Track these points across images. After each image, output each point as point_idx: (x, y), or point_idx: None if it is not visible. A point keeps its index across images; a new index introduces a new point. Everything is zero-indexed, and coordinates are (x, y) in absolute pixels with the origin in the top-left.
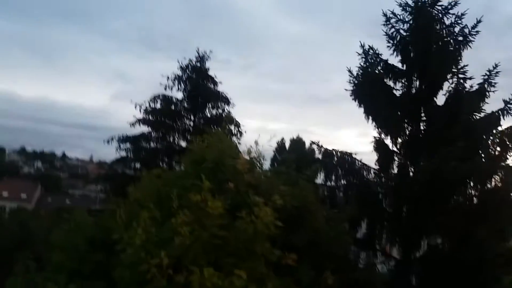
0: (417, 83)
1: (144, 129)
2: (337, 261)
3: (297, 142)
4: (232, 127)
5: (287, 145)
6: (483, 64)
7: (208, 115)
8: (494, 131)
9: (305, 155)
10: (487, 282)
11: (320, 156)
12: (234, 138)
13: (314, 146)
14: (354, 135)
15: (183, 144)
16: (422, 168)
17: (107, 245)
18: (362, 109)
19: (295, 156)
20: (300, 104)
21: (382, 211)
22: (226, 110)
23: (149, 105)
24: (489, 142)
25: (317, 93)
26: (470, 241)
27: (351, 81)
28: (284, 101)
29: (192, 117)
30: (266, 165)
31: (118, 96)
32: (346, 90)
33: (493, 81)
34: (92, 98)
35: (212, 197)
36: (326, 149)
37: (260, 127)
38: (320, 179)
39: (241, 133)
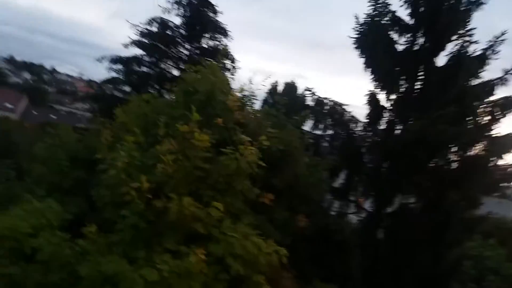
0: (421, 40)
1: (138, 52)
2: (311, 206)
3: (291, 86)
4: (227, 62)
5: (280, 88)
6: (489, 30)
7: (204, 45)
8: (487, 100)
9: (297, 100)
10: (450, 244)
11: (311, 103)
12: (227, 73)
13: (307, 92)
14: (350, 86)
15: (176, 73)
16: (410, 127)
17: (89, 164)
18: (362, 60)
19: (286, 99)
20: (300, 47)
21: (363, 165)
22: (223, 43)
23: (145, 28)
24: (480, 110)
25: (319, 38)
26: (442, 203)
27: (357, 29)
28: (283, 41)
29: (187, 46)
30: (257, 105)
31: (114, 15)
32: (350, 37)
33: (496, 48)
34: (87, 14)
35: (200, 130)
36: (318, 97)
37: (256, 66)
38: (308, 126)
39: (235, 69)
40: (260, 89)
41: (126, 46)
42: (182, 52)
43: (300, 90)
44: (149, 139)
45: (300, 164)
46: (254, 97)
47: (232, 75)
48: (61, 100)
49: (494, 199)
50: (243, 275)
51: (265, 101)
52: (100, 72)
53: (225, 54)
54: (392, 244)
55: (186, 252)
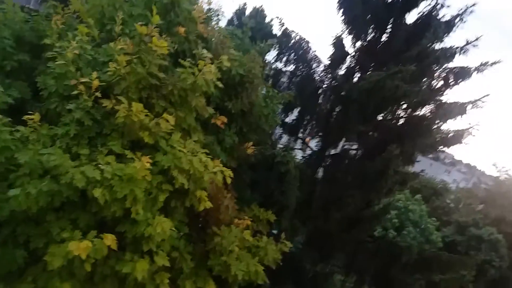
0: None
1: None
2: (261, 135)
3: (259, 12)
4: None
5: (248, 12)
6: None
7: None
8: (444, 66)
9: (264, 27)
10: (381, 193)
11: (278, 33)
12: None
13: (276, 21)
14: (319, 26)
15: None
16: (369, 77)
17: (35, 48)
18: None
19: (254, 23)
20: None
21: (317, 105)
22: None
23: None
24: (436, 74)
25: None
26: (381, 154)
27: None
28: None
29: None
30: (223, 24)
31: None
32: None
33: (465, 18)
34: None
35: (159, 35)
36: (286, 28)
37: None
38: (271, 56)
39: None
40: (228, 7)
41: None
42: None
43: (268, 19)
44: (104, 34)
45: (257, 92)
46: (222, 13)
47: None
48: None
49: (427, 160)
50: (186, 189)
51: (230, 22)
52: None
53: None
54: (329, 183)
55: (131, 157)
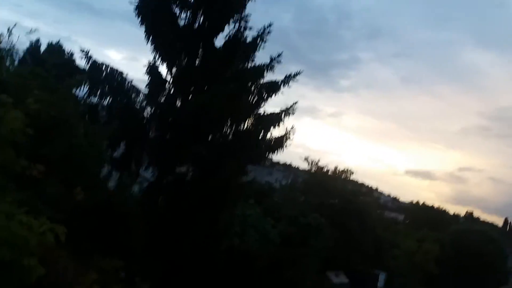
0: (202, 18)
1: None
2: (89, 178)
3: (56, 48)
4: None
5: (43, 48)
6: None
7: None
8: (257, 82)
9: (68, 62)
10: (224, 208)
11: (86, 68)
12: None
13: (82, 54)
14: (124, 57)
15: None
16: (193, 100)
17: None
18: (143, 29)
19: (56, 60)
20: (68, 8)
21: (145, 135)
22: None
23: None
24: (252, 90)
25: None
26: (218, 171)
27: None
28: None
29: None
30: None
31: None
32: (131, 3)
33: (265, 37)
34: None
35: None
36: (95, 61)
37: (14, 20)
38: (83, 91)
39: None
40: (20, 46)
41: None
42: None
43: (67, 54)
44: None
45: (76, 132)
46: (15, 52)
47: None
48: None
49: (251, 166)
50: (9, 261)
51: (24, 61)
52: None
53: None
54: (172, 212)
55: None
